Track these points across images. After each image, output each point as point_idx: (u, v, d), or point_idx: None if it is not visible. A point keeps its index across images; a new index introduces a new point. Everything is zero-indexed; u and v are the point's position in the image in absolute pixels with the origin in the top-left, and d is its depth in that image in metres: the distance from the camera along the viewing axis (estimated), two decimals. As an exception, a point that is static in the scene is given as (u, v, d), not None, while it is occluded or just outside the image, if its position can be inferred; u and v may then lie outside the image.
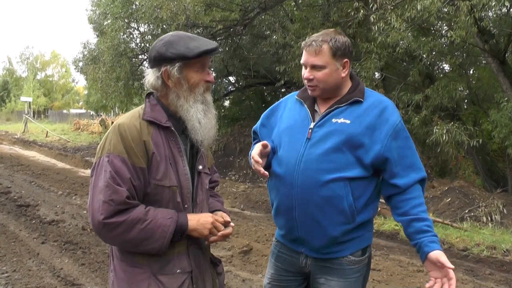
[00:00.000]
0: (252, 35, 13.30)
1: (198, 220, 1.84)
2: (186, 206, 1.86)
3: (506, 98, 8.47)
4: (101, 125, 23.86)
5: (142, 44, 13.89)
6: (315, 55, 2.07)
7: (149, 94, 1.92)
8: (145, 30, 13.56)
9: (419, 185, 2.11)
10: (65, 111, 46.80)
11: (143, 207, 1.74)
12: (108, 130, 1.83)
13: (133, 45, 14.03)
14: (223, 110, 17.06)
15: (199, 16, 10.57)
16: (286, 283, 2.30)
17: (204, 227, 1.84)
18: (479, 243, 6.07)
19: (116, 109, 32.32)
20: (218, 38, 12.51)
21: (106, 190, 1.68)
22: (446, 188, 8.75)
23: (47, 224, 6.73)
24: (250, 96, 17.48)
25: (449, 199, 8.24)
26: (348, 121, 2.06)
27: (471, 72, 12.32)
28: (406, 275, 5.08)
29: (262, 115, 2.44)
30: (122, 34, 13.31)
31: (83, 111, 47.17)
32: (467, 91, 11.79)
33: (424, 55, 9.18)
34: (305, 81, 2.15)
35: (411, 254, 5.89)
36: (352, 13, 8.59)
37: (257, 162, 2.08)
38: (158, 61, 1.82)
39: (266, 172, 2.12)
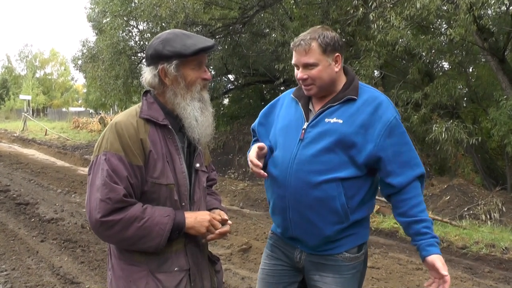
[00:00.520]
0: (251, 33, 13.28)
1: (196, 218, 1.84)
2: (183, 204, 1.86)
3: (505, 96, 8.48)
4: (100, 123, 23.85)
5: (141, 42, 13.86)
6: (306, 54, 2.06)
7: (146, 92, 1.92)
8: (144, 28, 13.52)
9: (418, 182, 2.09)
10: (64, 109, 46.75)
11: (140, 205, 1.74)
12: (105, 129, 1.83)
13: (132, 43, 14.01)
14: (222, 108, 17.04)
15: (198, 14, 10.56)
16: (280, 273, 2.28)
17: (202, 225, 1.84)
18: (478, 241, 6.07)
19: (115, 107, 32.22)
20: (217, 36, 12.51)
21: (103, 188, 1.68)
22: (445, 186, 8.76)
23: (46, 222, 6.73)
24: (249, 94, 17.46)
25: (448, 197, 8.25)
26: (340, 121, 2.05)
27: (470, 70, 12.32)
28: (405, 273, 5.08)
29: (260, 113, 2.44)
30: (121, 32, 13.29)
31: (82, 109, 47.13)
32: (466, 89, 11.78)
33: (424, 53, 9.18)
34: (300, 82, 2.14)
35: (410, 252, 5.90)
36: (352, 11, 8.59)
37: (256, 165, 2.09)
38: (155, 59, 1.82)
39: (265, 174, 2.13)
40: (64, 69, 54.20)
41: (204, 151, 2.08)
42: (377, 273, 5.06)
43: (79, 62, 16.69)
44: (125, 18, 12.90)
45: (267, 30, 12.76)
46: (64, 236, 6.06)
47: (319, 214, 2.05)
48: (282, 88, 14.80)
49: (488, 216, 7.37)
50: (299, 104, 2.20)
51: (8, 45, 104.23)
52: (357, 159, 2.03)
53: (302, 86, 2.16)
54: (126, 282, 1.79)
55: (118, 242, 1.79)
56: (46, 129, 23.70)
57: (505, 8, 9.71)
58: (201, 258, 1.97)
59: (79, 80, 56.15)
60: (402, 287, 4.71)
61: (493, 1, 7.21)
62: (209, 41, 1.85)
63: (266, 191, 2.31)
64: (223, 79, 16.70)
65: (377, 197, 2.62)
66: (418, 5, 7.21)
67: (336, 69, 2.11)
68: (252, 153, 2.14)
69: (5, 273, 4.77)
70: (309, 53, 2.05)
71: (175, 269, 1.83)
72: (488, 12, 9.41)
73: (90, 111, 41.15)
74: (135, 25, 13.97)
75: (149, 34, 13.42)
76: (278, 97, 2.42)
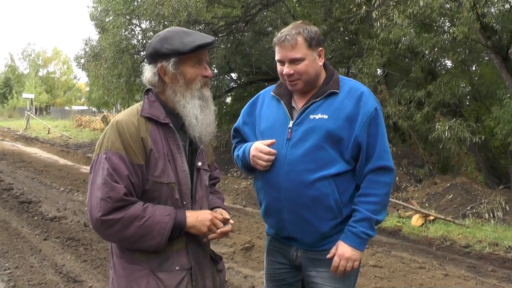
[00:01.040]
0: (254, 31, 13.26)
1: (197, 217, 1.83)
2: (185, 203, 1.85)
3: (508, 95, 8.44)
4: (103, 122, 23.84)
5: (144, 41, 13.84)
6: (292, 49, 2.05)
7: (147, 91, 1.92)
8: (147, 26, 13.50)
9: (378, 174, 2.07)
10: (67, 107, 46.82)
11: (141, 204, 1.74)
12: (107, 127, 1.82)
13: (134, 41, 14.00)
14: (225, 107, 17.04)
15: (201, 13, 10.54)
16: (281, 275, 2.31)
17: (203, 224, 1.84)
18: (481, 239, 6.05)
19: (118, 106, 32.27)
20: (220, 35, 12.48)
21: (103, 187, 1.67)
22: (448, 184, 8.73)
23: (49, 220, 6.74)
24: (252, 92, 17.40)
25: (451, 195, 8.22)
26: (325, 116, 2.06)
27: (473, 68, 12.28)
28: (408, 272, 5.07)
29: (243, 112, 2.41)
30: (123, 30, 13.28)
31: (85, 107, 47.20)
32: (469, 87, 11.76)
33: (427, 52, 9.17)
34: (285, 77, 2.11)
35: (413, 251, 5.88)
36: (354, 9, 8.58)
37: (272, 153, 2.08)
38: (154, 57, 1.82)
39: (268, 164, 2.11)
40: (67, 68, 54.32)
41: (207, 150, 2.07)
42: (380, 271, 5.05)
43: (82, 60, 16.68)
44: (127, 17, 12.89)
45: (270, 28, 12.74)
46: (67, 235, 6.07)
47: (315, 213, 2.07)
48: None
49: (491, 215, 7.34)
50: (281, 102, 2.19)
51: (11, 44, 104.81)
52: (345, 154, 2.06)
53: (287, 82, 2.13)
54: (127, 281, 1.79)
55: (119, 241, 1.78)
56: (49, 128, 23.75)
57: (509, 6, 9.67)
58: (203, 257, 1.96)
59: (82, 79, 56.49)
60: (405, 285, 4.70)
61: (497, -1, 7.19)
62: (208, 38, 1.84)
63: (257, 193, 2.30)
64: (225, 77, 16.69)
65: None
66: (421, 3, 7.20)
67: (320, 63, 2.13)
68: (259, 144, 2.12)
69: (8, 271, 4.78)
70: (296, 48, 2.04)
71: (176, 268, 1.82)
72: (492, 10, 9.38)
73: (93, 110, 41.22)
74: (138, 24, 13.96)
75: (151, 33, 13.40)
76: (257, 94, 2.40)
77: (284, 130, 2.12)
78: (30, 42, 79.12)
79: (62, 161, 14.11)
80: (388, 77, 11.24)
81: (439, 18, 9.86)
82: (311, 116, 2.08)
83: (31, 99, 40.69)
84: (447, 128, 7.94)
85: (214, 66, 14.33)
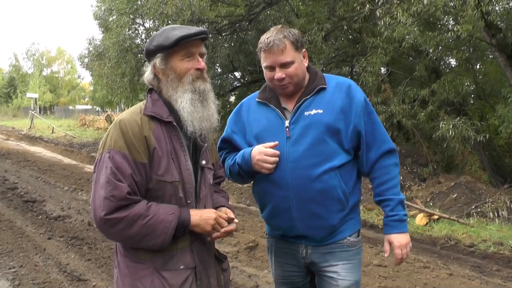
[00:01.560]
0: (258, 30, 13.24)
1: (201, 216, 1.82)
2: (189, 201, 1.84)
3: (513, 93, 8.40)
4: (107, 121, 23.90)
5: (147, 40, 13.89)
6: (282, 53, 2.07)
7: (150, 90, 1.93)
8: (150, 26, 13.53)
9: (387, 158, 2.17)
10: (71, 107, 46.96)
11: (144, 203, 1.73)
12: (110, 126, 1.82)
13: (138, 41, 14.03)
14: (228, 106, 17.04)
15: (205, 12, 10.54)
16: (291, 278, 2.31)
17: (207, 223, 1.83)
18: (486, 239, 6.02)
19: (122, 105, 32.36)
20: (223, 34, 12.50)
21: (107, 186, 1.67)
22: (453, 183, 8.69)
23: (53, 219, 6.75)
24: (255, 91, 17.41)
25: (456, 194, 8.19)
26: (320, 111, 2.09)
27: (478, 66, 12.21)
28: (413, 271, 5.05)
29: (229, 122, 2.39)
30: (127, 30, 13.32)
31: (89, 107, 47.33)
32: (473, 86, 11.70)
33: (431, 50, 9.13)
34: (276, 82, 2.12)
35: (418, 250, 5.86)
36: (358, 8, 8.55)
37: (277, 155, 2.09)
38: (147, 56, 1.87)
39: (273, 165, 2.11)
40: (71, 67, 54.42)
41: (212, 148, 2.06)
42: (384, 271, 5.04)
43: (86, 60, 16.75)
44: (131, 16, 12.93)
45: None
46: (71, 234, 6.08)
47: (324, 206, 2.09)
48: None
49: (496, 214, 7.31)
50: (271, 105, 2.20)
51: (15, 44, 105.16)
52: (344, 144, 2.10)
53: (278, 86, 2.14)
54: (131, 279, 1.79)
55: (123, 240, 1.78)
56: (53, 127, 23.80)
57: (514, 4, 9.61)
58: (207, 256, 1.95)
59: (85, 78, 56.53)
60: (409, 285, 4.68)
61: (501, -3, 7.15)
62: (194, 29, 1.83)
63: (257, 197, 2.28)
64: (229, 76, 16.70)
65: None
66: (425, 1, 7.17)
67: (306, 64, 2.18)
68: (261, 148, 2.12)
69: (12, 270, 4.80)
70: (285, 51, 2.07)
71: (181, 267, 1.82)
72: (496, 8, 9.33)
73: (97, 109, 41.34)
74: (141, 23, 14.00)
75: (155, 32, 13.39)
76: (240, 103, 2.40)
77: (281, 130, 2.13)
78: (34, 42, 79.86)
79: (66, 160, 14.14)
80: (392, 75, 11.21)
81: (443, 16, 9.81)
82: (306, 113, 2.11)
83: (35, 98, 40.80)
84: (451, 126, 7.90)
85: (217, 65, 14.35)
